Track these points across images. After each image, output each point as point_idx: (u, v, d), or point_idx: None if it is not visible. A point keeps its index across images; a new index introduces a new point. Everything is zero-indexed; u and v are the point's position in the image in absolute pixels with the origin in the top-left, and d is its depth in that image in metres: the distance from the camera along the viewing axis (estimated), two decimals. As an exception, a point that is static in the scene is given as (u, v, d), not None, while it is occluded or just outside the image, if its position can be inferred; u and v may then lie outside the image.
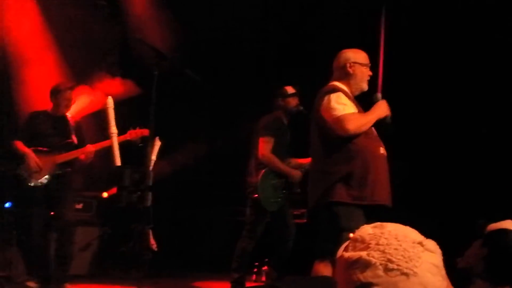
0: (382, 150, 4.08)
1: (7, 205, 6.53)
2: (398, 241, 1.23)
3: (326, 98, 4.04)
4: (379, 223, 1.32)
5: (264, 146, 5.64)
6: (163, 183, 5.88)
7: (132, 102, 7.01)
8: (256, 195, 5.59)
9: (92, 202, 7.40)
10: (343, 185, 3.94)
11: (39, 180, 5.66)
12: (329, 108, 3.98)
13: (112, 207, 7.52)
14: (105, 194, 7.56)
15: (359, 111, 4.11)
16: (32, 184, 5.66)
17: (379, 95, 4.18)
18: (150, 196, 4.23)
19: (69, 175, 5.83)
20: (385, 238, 1.24)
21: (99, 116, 5.55)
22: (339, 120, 3.92)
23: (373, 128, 4.15)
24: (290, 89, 5.87)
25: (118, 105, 4.59)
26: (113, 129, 4.34)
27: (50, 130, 5.84)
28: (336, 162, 3.98)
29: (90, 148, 5.70)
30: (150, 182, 4.24)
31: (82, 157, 5.78)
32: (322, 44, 7.76)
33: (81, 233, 6.79)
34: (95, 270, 7.18)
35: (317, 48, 7.81)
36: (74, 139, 5.86)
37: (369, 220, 3.78)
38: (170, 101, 7.04)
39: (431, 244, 1.27)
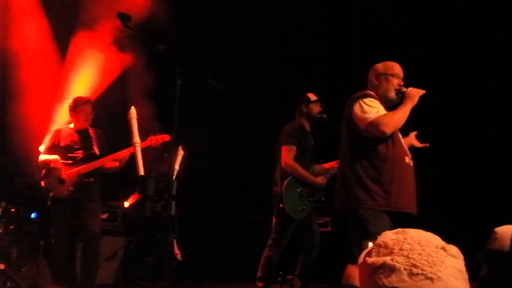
0: (407, 160, 4.12)
1: (33, 215, 6.62)
2: (422, 246, 1.24)
3: (357, 104, 4.09)
4: (401, 229, 1.33)
5: (287, 154, 5.64)
6: (188, 193, 5.90)
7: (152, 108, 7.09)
8: (282, 205, 5.58)
9: (117, 212, 7.44)
10: (369, 191, 3.99)
11: (63, 191, 5.77)
12: (362, 114, 4.04)
13: (137, 217, 7.56)
14: (126, 204, 7.60)
15: None
16: (56, 196, 5.77)
17: (403, 88, 4.15)
18: (174, 205, 4.24)
19: (92, 186, 5.92)
20: (408, 244, 1.25)
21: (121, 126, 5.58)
22: (374, 124, 3.97)
23: (400, 137, 4.17)
24: (312, 96, 5.89)
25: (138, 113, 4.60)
26: (136, 139, 4.36)
27: (73, 143, 5.96)
28: (363, 168, 4.04)
29: (124, 154, 5.79)
30: (174, 191, 4.26)
31: (116, 163, 5.91)
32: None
33: (107, 242, 6.86)
34: (120, 279, 7.22)
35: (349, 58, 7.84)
36: (96, 150, 6.00)
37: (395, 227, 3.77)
38: (193, 109, 7.09)
39: (454, 249, 1.28)
